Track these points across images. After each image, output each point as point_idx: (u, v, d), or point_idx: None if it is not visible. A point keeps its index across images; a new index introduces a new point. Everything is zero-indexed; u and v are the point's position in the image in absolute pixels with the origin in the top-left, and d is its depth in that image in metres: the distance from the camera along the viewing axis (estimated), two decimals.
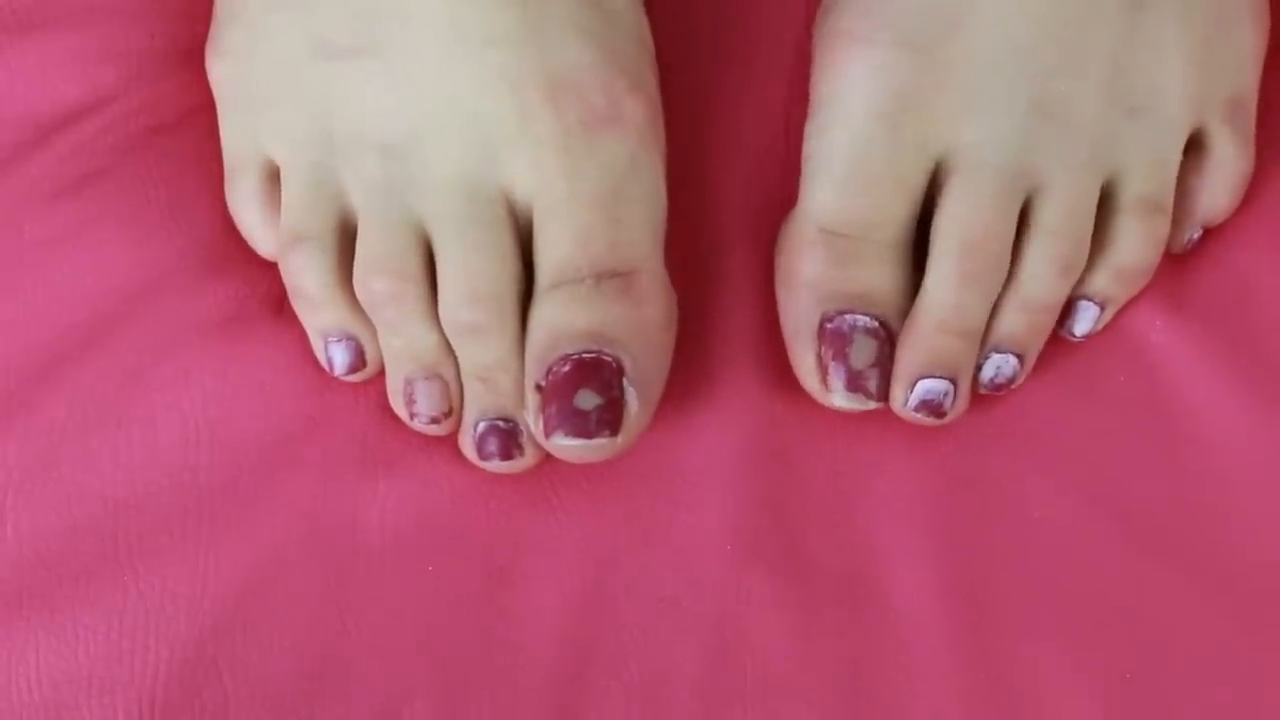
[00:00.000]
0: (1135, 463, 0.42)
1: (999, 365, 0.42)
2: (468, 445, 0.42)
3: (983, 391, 0.42)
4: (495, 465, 0.41)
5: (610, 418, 0.40)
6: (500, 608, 0.41)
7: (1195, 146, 0.43)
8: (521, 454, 0.41)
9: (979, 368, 0.42)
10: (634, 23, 0.43)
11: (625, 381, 0.40)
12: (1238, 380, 0.42)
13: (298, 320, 0.43)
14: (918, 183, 0.42)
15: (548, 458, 0.41)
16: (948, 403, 0.41)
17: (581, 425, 0.40)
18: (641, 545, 0.42)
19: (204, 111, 0.44)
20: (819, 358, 0.41)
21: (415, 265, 0.41)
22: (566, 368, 0.40)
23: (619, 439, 0.40)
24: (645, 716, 0.40)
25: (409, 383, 0.42)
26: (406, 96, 0.41)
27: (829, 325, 0.41)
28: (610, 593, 0.41)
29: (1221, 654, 0.40)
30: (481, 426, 0.41)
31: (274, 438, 0.42)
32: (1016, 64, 0.41)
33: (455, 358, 0.42)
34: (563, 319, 0.40)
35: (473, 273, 0.41)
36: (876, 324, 0.41)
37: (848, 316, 0.41)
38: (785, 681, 0.40)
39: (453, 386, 0.42)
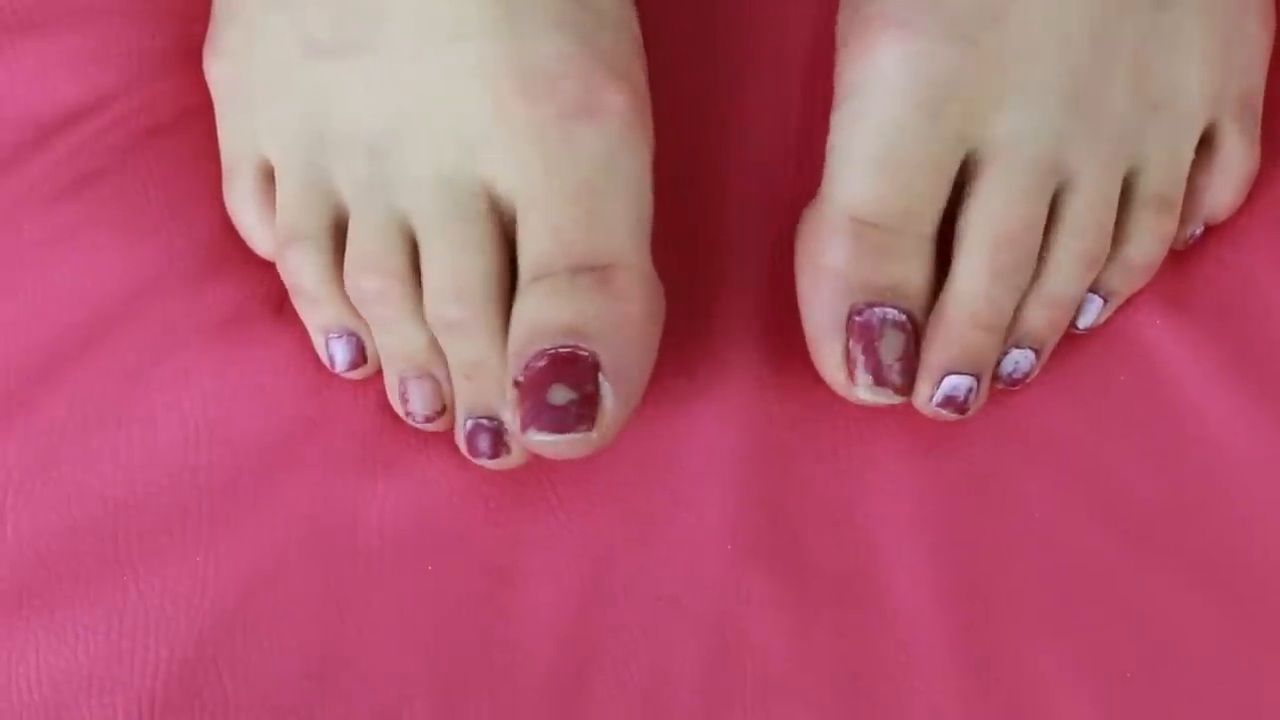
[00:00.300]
0: (1136, 462, 0.42)
1: (1017, 360, 0.42)
2: (460, 443, 0.42)
3: (999, 386, 0.42)
4: (486, 463, 0.41)
5: (585, 413, 0.39)
6: (500, 607, 0.41)
7: (1204, 144, 0.43)
8: (508, 452, 0.41)
9: (997, 362, 0.42)
10: (620, 17, 0.42)
11: (600, 376, 0.39)
12: (1239, 380, 0.42)
13: (297, 320, 0.43)
14: (952, 174, 0.41)
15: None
16: (971, 398, 0.41)
17: (555, 420, 0.39)
18: (640, 544, 0.42)
19: (203, 112, 0.44)
20: (846, 350, 0.41)
21: (402, 263, 0.41)
22: (542, 363, 0.39)
23: (594, 434, 0.39)
24: (645, 716, 0.40)
25: (402, 381, 0.42)
26: (387, 94, 0.41)
27: (858, 318, 0.41)
28: (610, 592, 0.41)
29: (1221, 654, 0.40)
30: (469, 425, 0.41)
31: (274, 438, 0.42)
32: (1056, 57, 0.41)
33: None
34: (539, 314, 0.40)
35: (455, 269, 0.40)
36: (905, 317, 0.41)
37: (878, 309, 0.41)
38: (785, 681, 0.40)
39: (444, 385, 0.41)
